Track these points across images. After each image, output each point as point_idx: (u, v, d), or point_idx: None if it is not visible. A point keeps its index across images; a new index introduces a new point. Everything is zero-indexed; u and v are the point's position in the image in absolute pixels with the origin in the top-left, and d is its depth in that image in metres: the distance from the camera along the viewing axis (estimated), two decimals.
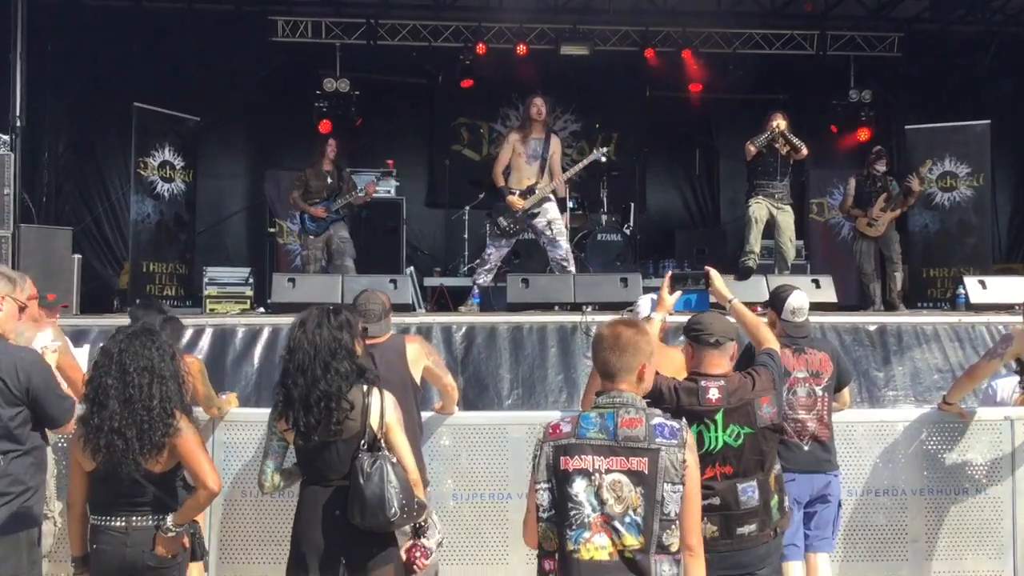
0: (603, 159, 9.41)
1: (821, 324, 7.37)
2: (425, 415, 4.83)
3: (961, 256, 10.70)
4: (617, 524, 2.86)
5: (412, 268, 10.58)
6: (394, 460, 3.54)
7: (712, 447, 3.56)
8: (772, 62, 12.31)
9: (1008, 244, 12.79)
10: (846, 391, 4.91)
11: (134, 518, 3.47)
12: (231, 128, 12.46)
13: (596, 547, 2.86)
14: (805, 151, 8.80)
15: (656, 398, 3.36)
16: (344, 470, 3.51)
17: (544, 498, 2.95)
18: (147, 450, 3.40)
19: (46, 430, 3.95)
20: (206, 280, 9.54)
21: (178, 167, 10.73)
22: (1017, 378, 5.31)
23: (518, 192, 8.58)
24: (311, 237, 9.47)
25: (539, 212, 8.60)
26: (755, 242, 8.69)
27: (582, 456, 2.90)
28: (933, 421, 5.18)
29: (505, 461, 4.99)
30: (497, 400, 7.31)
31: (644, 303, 5.15)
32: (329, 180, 9.53)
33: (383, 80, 12.46)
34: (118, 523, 3.47)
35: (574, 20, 11.88)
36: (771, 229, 8.88)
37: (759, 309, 7.61)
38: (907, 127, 11.43)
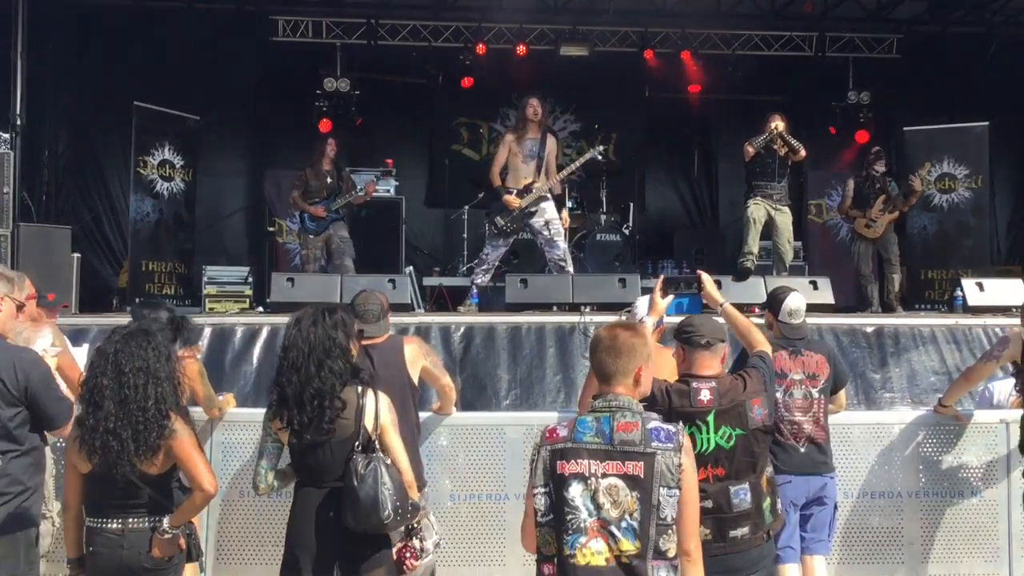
0: (600, 157, 9.42)
1: (818, 325, 7.39)
2: (423, 415, 4.83)
3: (959, 258, 10.71)
4: (613, 529, 2.86)
5: (411, 268, 10.58)
6: (388, 462, 3.55)
7: (704, 449, 3.57)
8: (771, 63, 12.32)
9: (1007, 246, 12.79)
10: (842, 393, 4.92)
11: (130, 520, 3.46)
12: (231, 127, 12.45)
13: (593, 552, 2.86)
14: (803, 153, 8.81)
15: (648, 401, 3.38)
16: (338, 471, 3.52)
17: (541, 502, 2.95)
18: (142, 451, 3.39)
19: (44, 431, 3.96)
20: (205, 279, 9.55)
21: (178, 166, 10.74)
22: (1013, 380, 5.30)
23: (515, 191, 8.59)
24: (311, 236, 9.47)
25: (536, 211, 8.61)
26: (753, 243, 8.70)
27: (578, 460, 2.90)
28: (929, 424, 5.19)
29: (503, 462, 4.99)
30: (495, 400, 7.31)
31: (642, 304, 5.15)
32: (329, 180, 9.54)
33: (383, 80, 12.47)
34: (114, 525, 3.46)
35: (574, 21, 11.88)
36: (769, 230, 8.89)
37: (757, 310, 7.69)
38: (906, 128, 11.44)
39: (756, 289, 8.16)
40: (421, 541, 4.12)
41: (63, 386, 4.26)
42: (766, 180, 8.77)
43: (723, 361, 3.83)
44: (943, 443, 5.16)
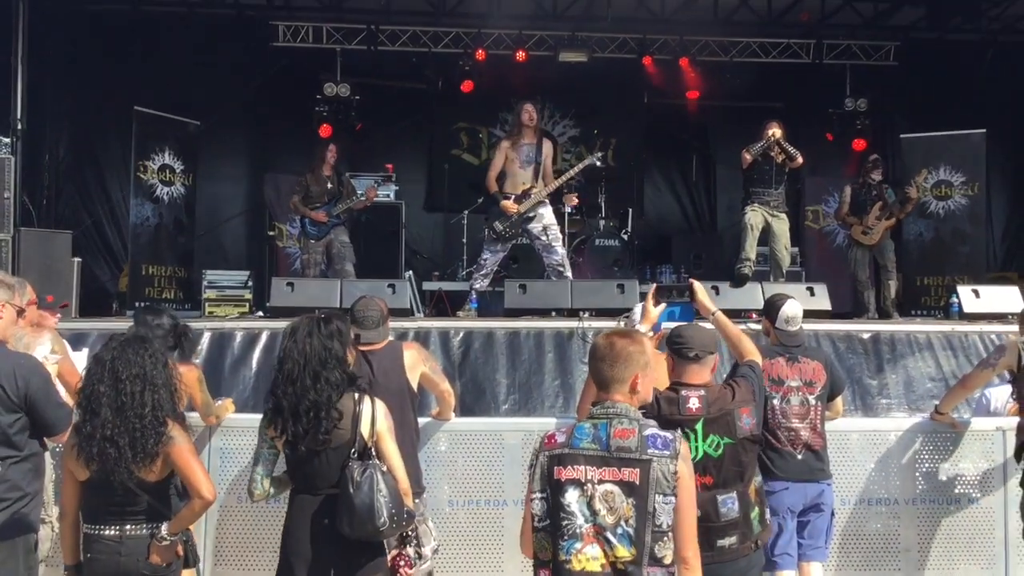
0: (598, 164, 9.45)
1: (815, 332, 7.42)
2: (422, 421, 4.84)
3: (955, 265, 10.72)
4: (609, 535, 2.87)
5: (411, 272, 10.61)
6: (384, 469, 3.55)
7: (692, 457, 3.58)
8: (769, 70, 12.36)
9: (1002, 253, 12.82)
10: (838, 400, 4.94)
11: (127, 527, 3.46)
12: (231, 132, 12.47)
13: (588, 558, 2.87)
14: (800, 160, 8.84)
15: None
16: (334, 479, 3.52)
17: (539, 508, 2.96)
18: (140, 458, 3.39)
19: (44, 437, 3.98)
20: (205, 283, 9.55)
21: (178, 170, 10.75)
22: (1010, 387, 5.33)
23: (513, 197, 8.62)
24: (311, 241, 9.47)
25: (534, 216, 8.64)
26: (750, 249, 8.72)
27: (575, 466, 2.92)
28: (926, 431, 5.21)
29: (501, 467, 5.00)
30: (494, 405, 7.32)
31: (640, 310, 5.18)
32: (329, 185, 9.54)
33: (383, 85, 12.50)
34: (111, 532, 3.45)
35: (573, 27, 11.92)
36: (766, 236, 8.92)
37: (754, 316, 7.72)
38: (902, 136, 11.47)
39: (753, 295, 8.19)
40: (417, 548, 4.14)
41: (63, 392, 4.28)
42: (763, 187, 8.80)
43: (713, 370, 3.87)
44: (940, 450, 5.18)
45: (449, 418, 5.03)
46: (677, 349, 3.77)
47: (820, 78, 12.40)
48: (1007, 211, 13.00)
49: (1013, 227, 13.01)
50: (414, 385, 4.58)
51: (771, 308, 4.88)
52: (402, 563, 3.75)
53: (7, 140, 9.40)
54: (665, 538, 2.88)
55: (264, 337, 7.56)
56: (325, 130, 11.67)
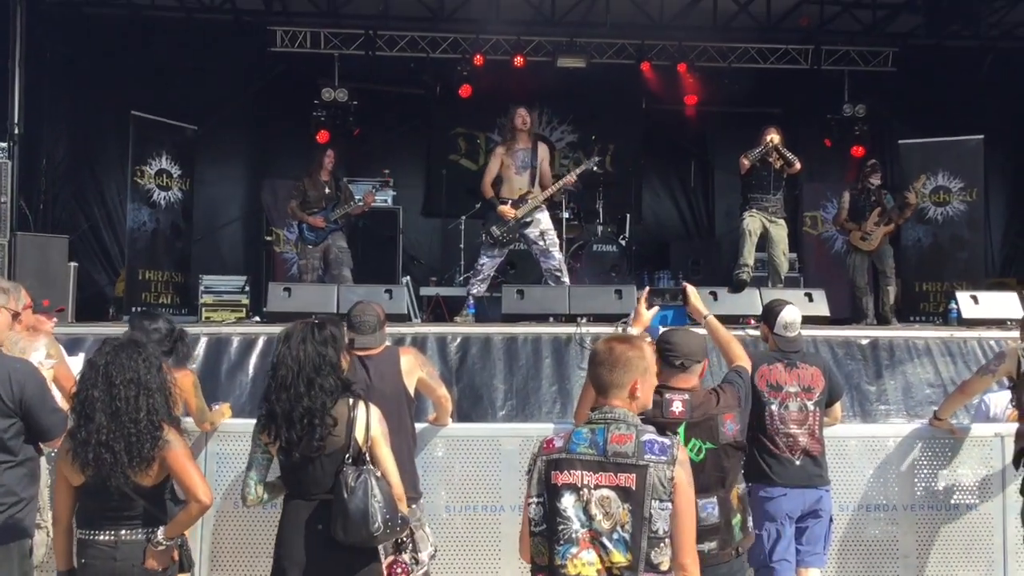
0: (596, 169, 9.44)
1: (813, 337, 7.41)
2: (419, 426, 4.83)
3: (954, 271, 10.73)
4: (605, 540, 2.86)
5: (408, 278, 10.61)
6: (379, 474, 3.54)
7: None
8: (767, 76, 12.36)
9: (1001, 259, 12.82)
10: (837, 406, 4.92)
11: (122, 532, 3.44)
12: (228, 137, 12.47)
13: (584, 563, 2.85)
14: (799, 166, 8.85)
15: None
16: (328, 484, 3.51)
17: (536, 512, 2.95)
18: (136, 463, 3.38)
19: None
20: (202, 288, 9.55)
21: (175, 175, 10.75)
22: (1009, 393, 5.32)
23: (510, 202, 8.61)
24: (309, 247, 9.46)
25: (531, 221, 8.63)
26: (748, 255, 8.72)
27: (571, 471, 2.90)
28: (924, 437, 5.19)
29: (498, 473, 4.98)
30: (491, 411, 7.31)
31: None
32: (327, 190, 9.54)
33: (381, 90, 12.50)
34: (106, 537, 3.43)
35: (571, 33, 11.92)
36: (765, 242, 8.92)
37: (753, 322, 7.71)
38: (901, 142, 11.48)
39: (752, 301, 8.19)
40: (414, 554, 4.12)
41: (58, 397, 4.26)
42: (762, 192, 8.80)
43: (701, 375, 3.88)
44: (939, 456, 5.16)
45: (446, 423, 5.01)
46: (664, 354, 3.77)
47: (818, 84, 12.41)
48: (1005, 217, 13.01)
49: (1011, 233, 13.01)
50: (411, 390, 4.56)
51: (769, 314, 4.87)
52: (399, 569, 3.73)
53: (4, 144, 9.41)
54: (661, 544, 2.86)
55: (261, 342, 7.56)
56: (323, 136, 11.66)
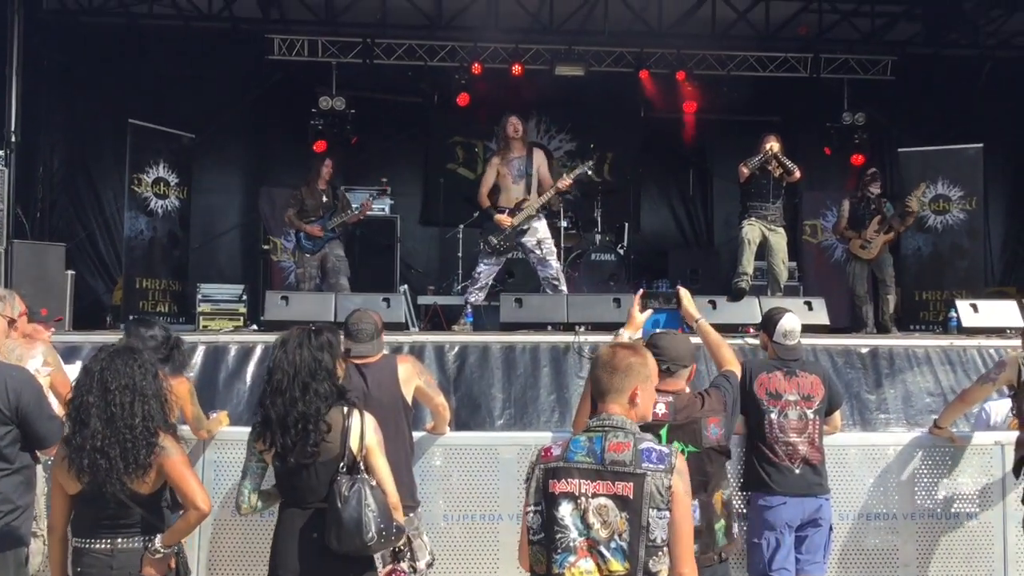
0: (589, 171, 9.40)
1: (813, 346, 7.40)
2: (417, 435, 4.81)
3: (953, 279, 10.73)
4: (603, 549, 2.84)
5: (406, 286, 10.59)
6: (373, 483, 3.52)
7: None
8: (766, 84, 12.38)
9: (1000, 267, 12.83)
10: (836, 415, 4.91)
11: (119, 540, 3.42)
12: (226, 145, 12.48)
13: (581, 571, 2.84)
14: (798, 174, 8.85)
15: None
16: (323, 493, 3.50)
17: (534, 521, 2.94)
18: (132, 470, 3.36)
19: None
20: (199, 297, 9.51)
21: (172, 183, 10.75)
22: (1010, 401, 5.31)
23: (507, 210, 8.61)
24: (307, 255, 9.43)
25: (528, 229, 8.62)
26: (748, 263, 8.71)
27: (569, 479, 2.89)
28: (924, 445, 5.17)
29: (496, 482, 4.96)
30: (489, 420, 7.29)
31: None
32: (324, 198, 9.53)
33: (379, 99, 12.51)
34: (102, 545, 3.42)
35: (569, 41, 11.93)
36: (764, 250, 8.91)
37: (752, 330, 7.70)
38: (900, 150, 11.51)
39: (751, 309, 8.18)
40: (412, 563, 4.10)
41: (55, 404, 4.25)
42: (761, 201, 8.79)
43: (689, 379, 3.91)
44: (938, 465, 5.14)
45: (444, 432, 4.99)
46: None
47: (818, 92, 12.43)
48: (1005, 225, 13.02)
49: (1011, 241, 13.03)
50: (408, 399, 4.55)
51: (769, 322, 4.86)
52: None
53: (1, 152, 9.39)
54: (659, 553, 2.84)
55: (258, 351, 7.55)
56: (320, 146, 11.64)
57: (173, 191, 10.77)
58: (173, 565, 3.52)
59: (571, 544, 2.86)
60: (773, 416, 4.56)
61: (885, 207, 9.44)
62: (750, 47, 12.12)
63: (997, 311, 8.52)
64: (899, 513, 5.11)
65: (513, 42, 11.86)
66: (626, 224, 11.95)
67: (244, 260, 12.57)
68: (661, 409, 3.67)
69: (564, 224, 10.69)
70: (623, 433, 2.93)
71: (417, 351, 7.49)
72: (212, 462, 4.88)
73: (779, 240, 8.86)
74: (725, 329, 7.65)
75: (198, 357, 7.52)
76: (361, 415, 3.61)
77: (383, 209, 11.61)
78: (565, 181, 8.83)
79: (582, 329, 7.85)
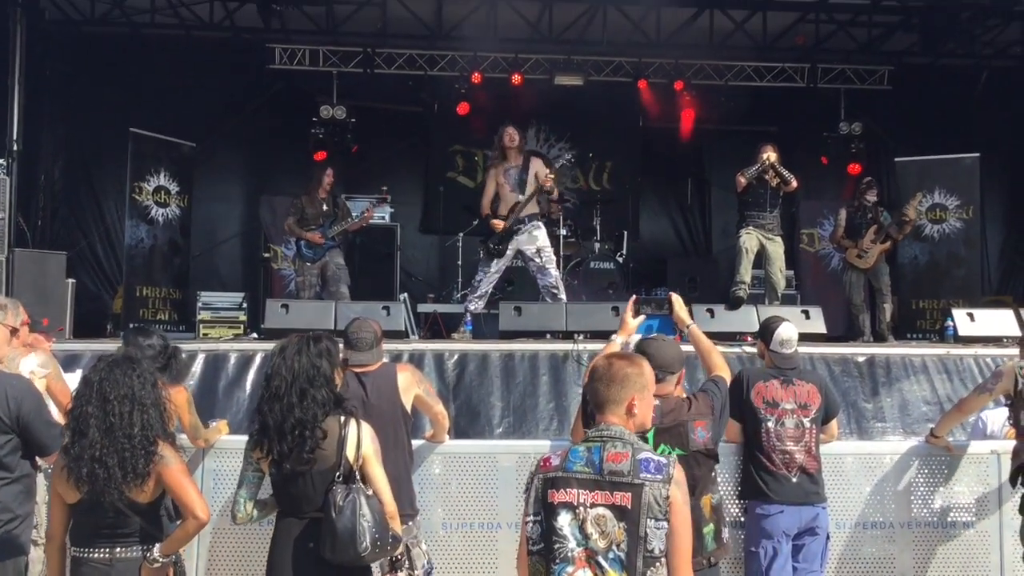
0: (570, 163, 9.35)
1: (810, 355, 7.43)
2: (416, 443, 4.82)
3: (950, 288, 10.75)
4: (601, 559, 2.84)
5: (406, 295, 10.62)
6: (369, 493, 3.52)
7: None
8: (763, 94, 12.43)
9: (997, 276, 12.84)
10: (833, 423, 4.92)
11: (117, 549, 3.43)
12: (227, 154, 12.51)
13: None
14: (795, 184, 8.89)
15: None
16: (318, 502, 3.49)
17: (533, 531, 2.95)
18: (130, 479, 3.37)
19: (36, 457, 3.95)
20: (200, 305, 9.53)
21: (173, 192, 10.77)
22: (1006, 410, 5.33)
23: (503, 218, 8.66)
24: (307, 264, 9.45)
25: (525, 233, 8.63)
26: (745, 272, 8.74)
27: (567, 489, 2.89)
28: (921, 454, 5.18)
29: (495, 490, 4.97)
30: (488, 428, 7.31)
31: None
32: (324, 207, 9.54)
33: (379, 108, 12.56)
34: (100, 555, 3.42)
35: (568, 51, 11.98)
36: (761, 259, 8.94)
37: (749, 339, 7.73)
38: (897, 159, 11.54)
39: (748, 318, 8.21)
40: (410, 572, 4.11)
41: (54, 411, 4.27)
42: (758, 210, 8.83)
43: (678, 383, 3.95)
44: (935, 474, 5.15)
45: (443, 440, 5.00)
46: None
47: (815, 102, 12.48)
48: (1002, 235, 13.04)
49: (1008, 251, 13.05)
50: (408, 407, 4.56)
51: (766, 331, 4.87)
52: None
53: (3, 161, 9.43)
54: (657, 563, 2.84)
55: (258, 359, 7.57)
56: (320, 156, 11.66)
57: (174, 199, 10.80)
58: (171, 574, 3.54)
59: (569, 554, 2.86)
60: (770, 424, 4.58)
61: (882, 216, 9.47)
62: (747, 57, 12.17)
63: (994, 320, 8.54)
64: (896, 522, 5.12)
65: (513, 52, 11.91)
66: (625, 233, 11.98)
67: (244, 268, 12.60)
68: None
69: (563, 232, 10.73)
70: (621, 443, 2.94)
71: (417, 359, 7.52)
72: (211, 471, 4.88)
73: (777, 249, 8.90)
74: (723, 337, 7.73)
75: (198, 365, 7.54)
76: (358, 424, 3.61)
77: (383, 217, 11.63)
78: (546, 179, 8.74)
79: (581, 337, 7.88)
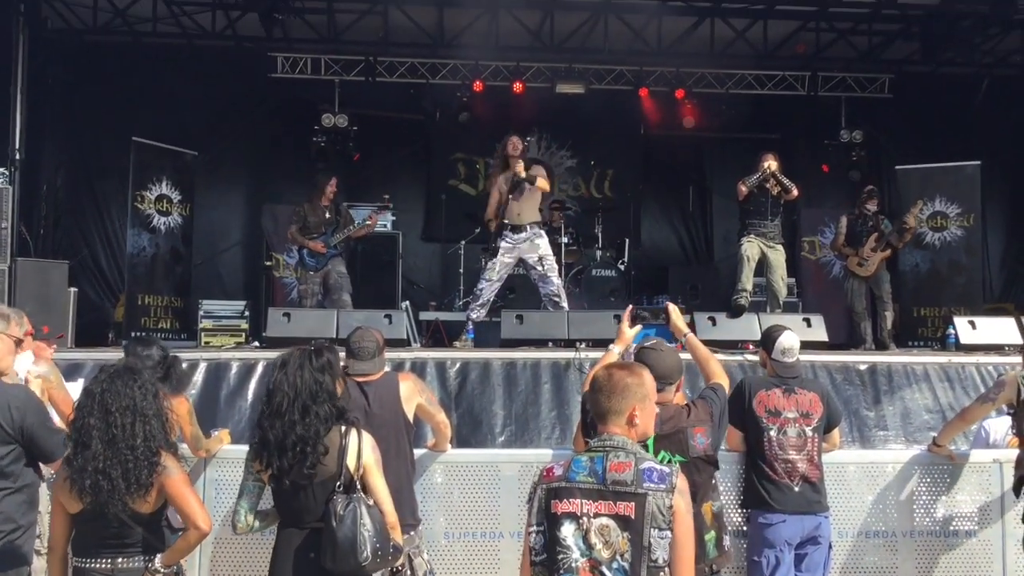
0: (528, 141, 9.30)
1: (812, 363, 7.42)
2: (418, 452, 4.81)
3: (951, 296, 10.75)
4: (605, 570, 2.84)
5: (408, 303, 10.61)
6: (370, 502, 3.51)
7: None
8: (764, 102, 12.45)
9: (999, 284, 12.86)
10: (835, 432, 4.92)
11: (120, 560, 3.42)
12: (229, 162, 12.53)
13: None
14: (796, 192, 8.90)
15: None
16: (320, 513, 3.49)
17: (537, 541, 2.94)
18: (133, 490, 3.36)
19: (40, 465, 3.95)
20: (201, 313, 9.54)
21: (175, 200, 10.79)
22: (1009, 419, 5.32)
23: (511, 225, 8.67)
24: (310, 273, 9.45)
25: (527, 241, 8.64)
26: (747, 280, 8.75)
27: (571, 500, 2.89)
28: (923, 463, 5.18)
29: (497, 499, 4.95)
30: (490, 436, 7.29)
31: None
32: (327, 215, 9.54)
33: (381, 116, 12.58)
34: (102, 565, 3.42)
35: (570, 59, 12.02)
36: (763, 267, 8.94)
37: (751, 347, 7.73)
38: (898, 167, 11.54)
39: (750, 326, 8.21)
40: None
41: (55, 417, 4.27)
42: (760, 218, 8.84)
43: (678, 390, 3.96)
44: (937, 483, 5.14)
45: (445, 449, 4.99)
46: None
47: (815, 110, 12.51)
48: (1003, 242, 13.06)
49: (1009, 258, 13.06)
50: (410, 416, 4.55)
51: (768, 339, 4.88)
52: None
53: (5, 170, 9.46)
54: (661, 573, 2.84)
55: (260, 368, 7.54)
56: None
57: (176, 208, 10.81)
58: None
59: (573, 565, 2.86)
60: (772, 433, 4.58)
61: (883, 224, 9.48)
62: (748, 65, 12.20)
63: (995, 328, 8.54)
64: (898, 531, 5.11)
65: (514, 60, 11.94)
66: (626, 240, 12.00)
67: (246, 276, 12.61)
68: None
69: (565, 240, 10.74)
70: (624, 453, 2.94)
71: (419, 367, 7.51)
72: (213, 480, 4.86)
73: (778, 257, 8.90)
74: (724, 345, 7.73)
75: (200, 374, 7.52)
76: (359, 434, 3.60)
77: (385, 225, 11.64)
78: (518, 167, 8.70)
79: (583, 346, 7.87)
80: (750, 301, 8.73)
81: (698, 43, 11.77)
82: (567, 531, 2.88)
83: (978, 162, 11.11)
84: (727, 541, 3.99)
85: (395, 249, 11.73)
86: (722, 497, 4.26)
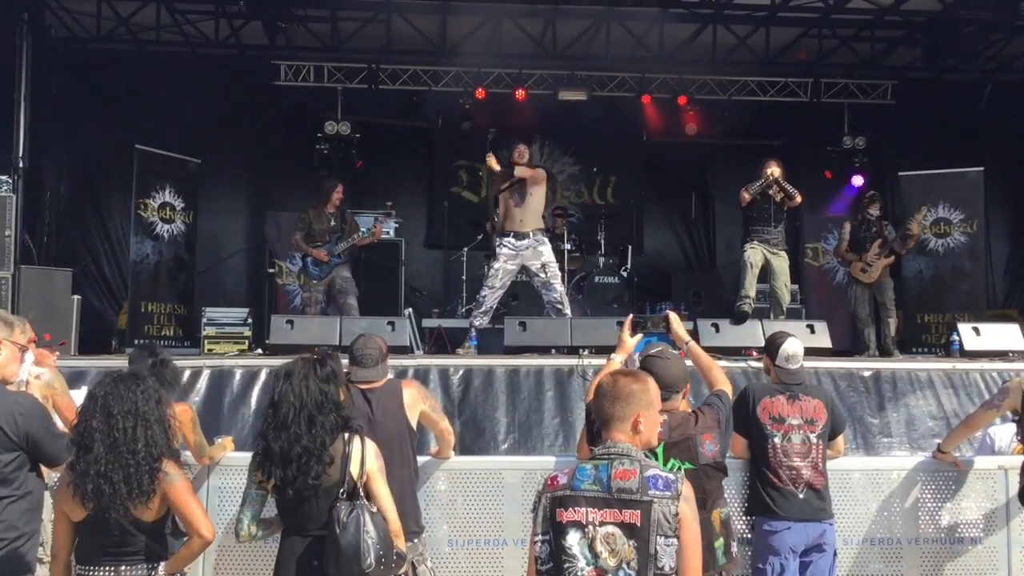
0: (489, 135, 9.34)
1: (816, 369, 7.40)
2: (421, 459, 4.80)
3: (955, 302, 10.75)
4: None
5: (411, 309, 10.61)
6: (373, 510, 3.50)
7: None
8: (767, 108, 12.48)
9: (1003, 290, 12.86)
10: (840, 439, 4.91)
11: (122, 567, 3.41)
12: (232, 169, 12.56)
13: None
14: (799, 199, 8.90)
15: None
16: (323, 520, 3.48)
17: (542, 550, 2.93)
18: (135, 495, 3.35)
19: (43, 470, 3.94)
20: (204, 320, 9.54)
21: (178, 208, 10.81)
22: (1014, 426, 5.31)
23: (512, 232, 8.68)
24: (313, 281, 9.43)
25: (530, 248, 8.65)
26: (750, 287, 8.75)
27: (576, 508, 2.88)
28: (928, 470, 5.16)
29: (501, 506, 4.95)
30: (493, 444, 7.28)
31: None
32: (332, 222, 9.50)
33: (383, 123, 12.62)
34: (105, 572, 3.41)
35: (572, 66, 12.03)
36: (766, 274, 8.94)
37: (755, 354, 7.72)
38: (901, 174, 11.55)
39: (754, 332, 8.19)
40: None
41: (57, 421, 4.26)
42: (763, 225, 8.84)
43: (684, 397, 3.97)
44: (942, 489, 5.13)
45: (448, 457, 4.99)
46: None
47: (818, 116, 12.52)
48: (1007, 248, 13.06)
49: (1013, 264, 13.06)
50: (414, 424, 4.54)
51: (771, 346, 4.87)
52: None
53: (8, 178, 9.46)
54: None
55: (263, 375, 7.53)
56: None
57: (179, 215, 10.83)
58: None
59: (579, 573, 2.85)
60: (776, 440, 4.57)
61: (886, 230, 9.47)
62: (751, 72, 12.21)
63: (999, 334, 8.52)
64: (903, 538, 5.10)
65: (516, 67, 11.97)
66: (629, 247, 12.00)
67: (249, 284, 12.62)
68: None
69: (568, 247, 10.74)
70: (629, 460, 2.93)
71: (422, 375, 7.50)
72: (217, 488, 4.86)
73: (781, 263, 8.90)
74: (728, 352, 7.72)
75: (203, 381, 7.52)
76: (362, 441, 3.59)
77: (388, 232, 11.63)
78: (493, 164, 8.79)
79: (586, 352, 7.86)
80: (753, 308, 8.72)
81: (700, 50, 11.79)
82: (573, 540, 2.87)
83: (981, 168, 11.12)
84: (735, 547, 3.99)
85: (398, 256, 11.74)
86: (728, 504, 4.25)
